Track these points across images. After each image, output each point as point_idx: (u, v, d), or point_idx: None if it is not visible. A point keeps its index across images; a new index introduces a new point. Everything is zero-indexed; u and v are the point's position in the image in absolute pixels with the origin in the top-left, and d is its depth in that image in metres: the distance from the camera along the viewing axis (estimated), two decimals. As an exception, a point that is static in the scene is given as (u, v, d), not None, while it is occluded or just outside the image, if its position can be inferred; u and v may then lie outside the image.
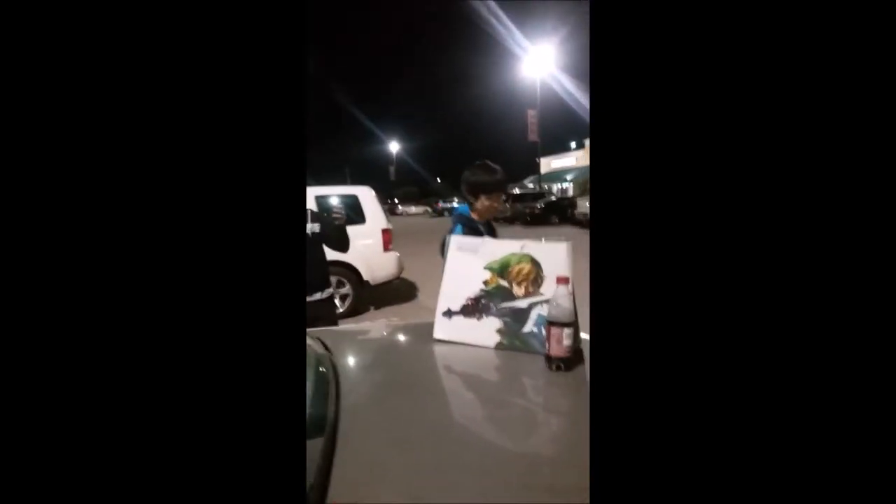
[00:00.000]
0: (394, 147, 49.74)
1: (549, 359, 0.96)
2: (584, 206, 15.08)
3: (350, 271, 5.07)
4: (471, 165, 1.84)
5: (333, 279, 5.03)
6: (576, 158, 30.79)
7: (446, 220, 1.86)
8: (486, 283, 1.08)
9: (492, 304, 1.08)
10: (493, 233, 1.88)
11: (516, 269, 1.05)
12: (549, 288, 1.01)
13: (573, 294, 1.06)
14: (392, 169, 45.91)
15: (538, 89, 24.44)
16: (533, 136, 24.03)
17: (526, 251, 1.05)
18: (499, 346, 1.08)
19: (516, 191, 20.94)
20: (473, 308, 1.10)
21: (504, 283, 1.07)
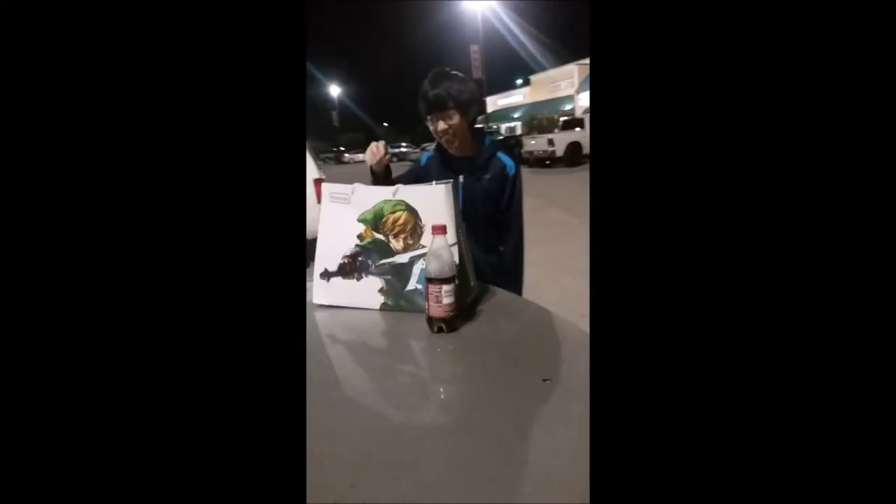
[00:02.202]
0: (335, 91, 47.13)
1: (429, 320, 0.84)
2: (529, 143, 15.00)
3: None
4: (431, 75, 1.31)
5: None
6: (522, 96, 30.31)
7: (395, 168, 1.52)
8: (360, 237, 0.94)
9: (370, 262, 0.94)
10: (494, 170, 1.36)
11: (391, 218, 0.90)
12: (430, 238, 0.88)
13: (461, 242, 0.93)
14: (335, 114, 43.75)
15: (480, 24, 23.45)
16: (477, 72, 23.26)
17: (399, 197, 0.90)
18: (384, 308, 0.96)
19: (463, 132, 20.40)
20: (351, 267, 0.95)
21: (380, 236, 0.92)
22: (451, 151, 1.38)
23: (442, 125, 1.29)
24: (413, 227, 0.90)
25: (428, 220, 0.88)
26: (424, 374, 0.78)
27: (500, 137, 17.52)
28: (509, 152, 1.42)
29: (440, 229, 0.82)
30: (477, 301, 0.99)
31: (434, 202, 0.88)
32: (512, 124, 25.59)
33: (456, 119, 1.29)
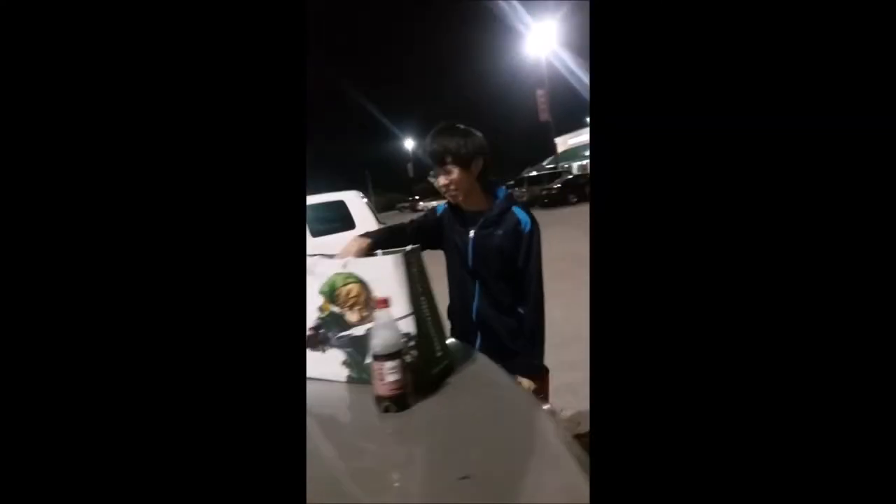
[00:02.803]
0: (409, 144, 49.70)
1: (376, 399, 0.79)
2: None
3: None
4: (433, 130, 1.30)
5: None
6: (592, 133, 29.88)
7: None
8: (320, 309, 0.93)
9: (329, 335, 0.92)
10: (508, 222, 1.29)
11: (343, 291, 0.89)
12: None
13: (421, 311, 0.89)
14: (410, 166, 45.85)
15: (544, 67, 23.80)
16: (544, 115, 23.44)
17: (349, 269, 0.89)
18: (350, 380, 0.93)
19: (533, 173, 20.47)
20: (315, 339, 0.94)
21: (336, 308, 0.91)
22: (461, 205, 1.34)
23: (442, 180, 1.28)
24: (366, 299, 0.87)
25: (378, 291, 0.85)
26: (378, 457, 0.73)
27: (570, 177, 17.22)
28: (580, 192, 1.37)
29: (382, 303, 0.79)
30: (448, 372, 0.93)
31: (383, 273, 0.85)
32: (583, 162, 25.21)
33: (455, 174, 1.26)
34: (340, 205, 5.35)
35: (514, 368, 1.32)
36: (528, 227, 1.29)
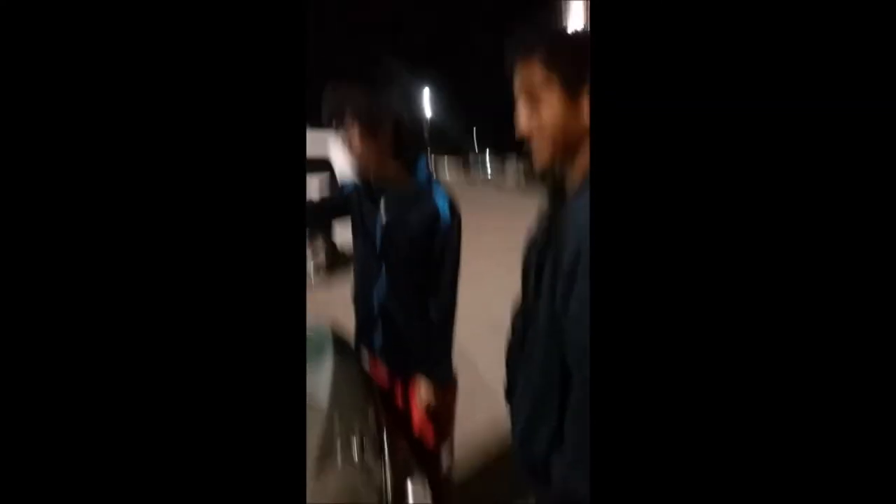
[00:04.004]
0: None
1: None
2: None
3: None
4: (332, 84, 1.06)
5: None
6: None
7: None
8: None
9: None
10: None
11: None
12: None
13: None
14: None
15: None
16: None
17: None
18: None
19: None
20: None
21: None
22: (370, 180, 1.13)
23: (343, 146, 1.06)
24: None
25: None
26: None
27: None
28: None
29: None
30: None
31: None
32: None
33: (357, 140, 1.04)
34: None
35: (410, 372, 1.21)
36: (447, 221, 1.08)
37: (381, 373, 1.27)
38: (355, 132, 1.04)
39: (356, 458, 0.73)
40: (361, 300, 1.23)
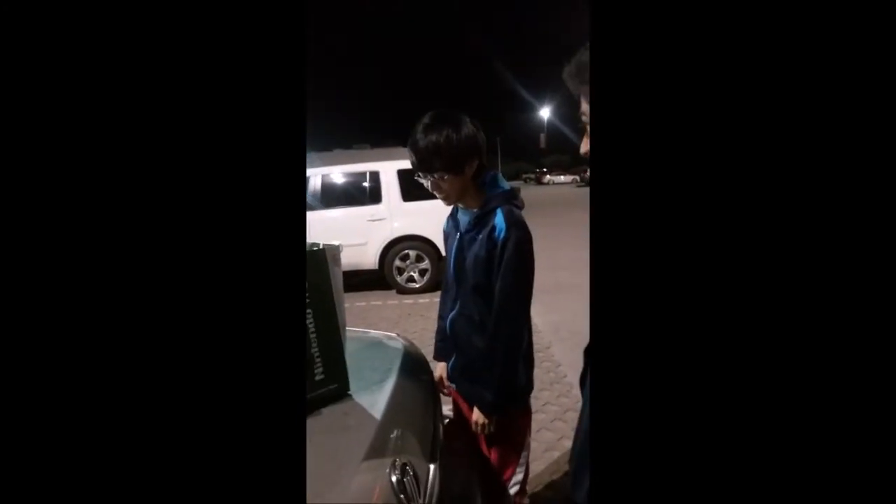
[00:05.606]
0: (545, 113, 47.99)
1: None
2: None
3: (429, 246, 5.02)
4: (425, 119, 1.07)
5: (413, 253, 5.01)
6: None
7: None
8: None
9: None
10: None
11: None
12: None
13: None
14: (543, 136, 44.43)
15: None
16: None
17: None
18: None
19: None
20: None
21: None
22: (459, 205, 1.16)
23: (434, 189, 1.09)
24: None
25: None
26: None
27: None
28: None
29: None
30: (329, 400, 0.84)
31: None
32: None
33: (446, 183, 1.06)
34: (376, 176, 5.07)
35: (471, 398, 1.18)
36: (501, 235, 1.04)
37: (455, 396, 1.28)
38: (445, 174, 1.05)
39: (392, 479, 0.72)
40: (440, 319, 1.28)
